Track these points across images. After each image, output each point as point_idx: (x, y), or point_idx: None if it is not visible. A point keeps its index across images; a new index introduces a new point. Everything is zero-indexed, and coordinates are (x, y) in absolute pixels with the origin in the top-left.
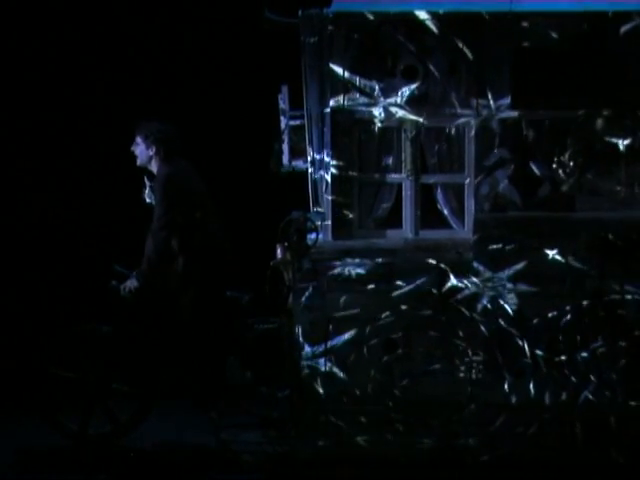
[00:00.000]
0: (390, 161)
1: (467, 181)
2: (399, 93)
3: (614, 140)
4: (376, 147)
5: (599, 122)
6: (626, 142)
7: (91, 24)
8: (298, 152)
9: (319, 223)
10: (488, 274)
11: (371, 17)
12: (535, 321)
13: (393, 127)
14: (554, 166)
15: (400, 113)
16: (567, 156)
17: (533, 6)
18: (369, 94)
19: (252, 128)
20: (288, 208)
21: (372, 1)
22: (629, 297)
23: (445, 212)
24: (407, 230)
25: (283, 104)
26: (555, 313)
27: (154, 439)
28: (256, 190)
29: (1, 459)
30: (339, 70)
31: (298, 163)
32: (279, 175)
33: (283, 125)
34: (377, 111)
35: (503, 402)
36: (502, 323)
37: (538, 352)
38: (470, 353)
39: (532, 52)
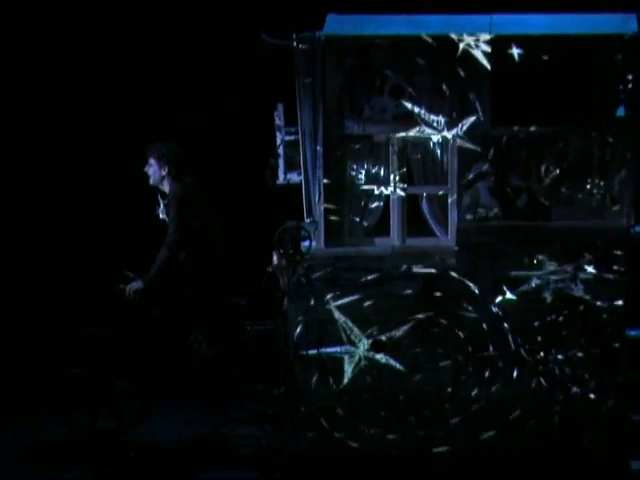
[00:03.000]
0: (378, 174)
1: (450, 192)
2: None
3: (586, 155)
4: (365, 161)
5: (572, 138)
6: (597, 156)
7: (92, 49)
8: (293, 165)
9: (312, 231)
10: (472, 279)
11: (361, 40)
12: (514, 323)
13: (381, 142)
14: (531, 179)
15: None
16: (543, 169)
17: (510, 30)
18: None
19: (250, 143)
20: (283, 218)
21: (362, 25)
22: (600, 300)
23: (430, 221)
24: (394, 238)
25: (279, 121)
26: (532, 315)
27: (157, 433)
28: (254, 201)
29: (17, 451)
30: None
31: (292, 176)
32: (275, 187)
33: (279, 140)
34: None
35: (483, 398)
36: (483, 325)
37: (516, 352)
38: (453, 353)
39: (510, 73)
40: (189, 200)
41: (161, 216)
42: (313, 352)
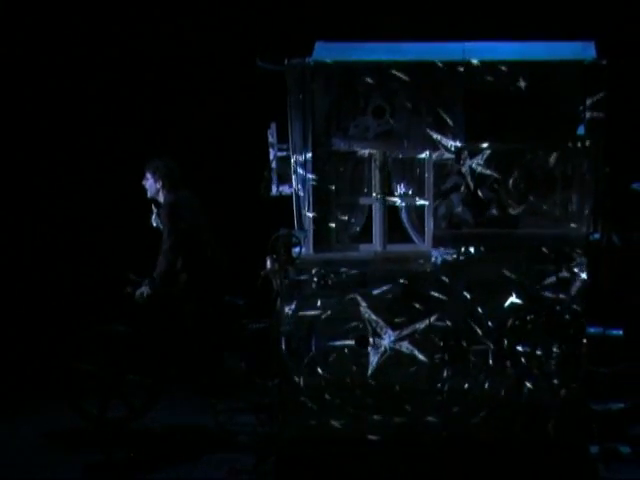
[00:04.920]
0: (362, 186)
1: (427, 203)
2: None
3: (550, 168)
4: (350, 174)
5: (538, 153)
6: (560, 170)
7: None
8: (284, 179)
9: (302, 238)
10: (446, 282)
11: (346, 65)
12: (484, 321)
13: (365, 158)
14: (500, 190)
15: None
16: (511, 182)
17: (482, 56)
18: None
19: (246, 159)
20: (276, 226)
21: (347, 52)
22: (563, 301)
23: (408, 229)
24: (377, 244)
25: (272, 138)
26: (502, 314)
27: (163, 421)
28: (250, 211)
29: (34, 439)
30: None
31: (284, 188)
32: (268, 198)
33: (272, 156)
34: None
35: (459, 389)
36: (456, 323)
37: (488, 348)
38: (430, 347)
39: (481, 95)
40: (178, 209)
41: (154, 224)
42: (304, 346)
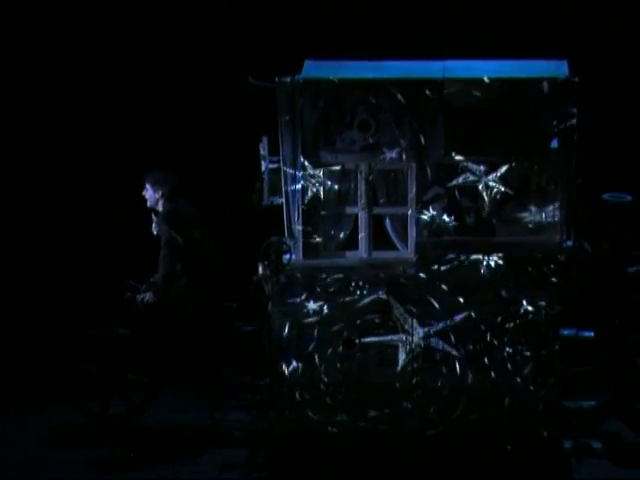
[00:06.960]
0: (348, 196)
1: (410, 212)
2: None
3: (525, 180)
4: (337, 185)
5: (513, 165)
6: (534, 181)
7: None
8: (275, 190)
9: (292, 246)
10: (428, 285)
11: (333, 82)
12: (464, 323)
13: (351, 169)
14: (479, 200)
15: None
16: (489, 192)
17: (461, 74)
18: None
19: (239, 171)
20: (268, 234)
21: (334, 70)
22: (538, 304)
23: (392, 237)
24: (362, 251)
25: (263, 151)
26: (481, 317)
27: (161, 418)
28: (243, 220)
29: (38, 435)
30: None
31: (275, 198)
32: (260, 208)
33: (263, 168)
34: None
35: (438, 388)
36: (436, 325)
37: (466, 348)
38: (413, 348)
39: (460, 110)
40: (176, 217)
41: (154, 232)
42: (293, 347)
